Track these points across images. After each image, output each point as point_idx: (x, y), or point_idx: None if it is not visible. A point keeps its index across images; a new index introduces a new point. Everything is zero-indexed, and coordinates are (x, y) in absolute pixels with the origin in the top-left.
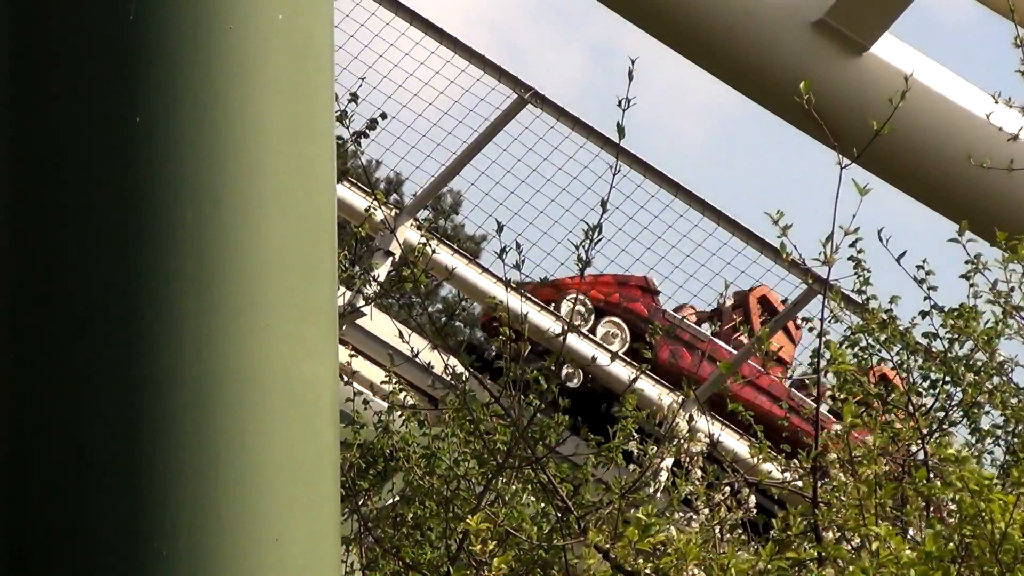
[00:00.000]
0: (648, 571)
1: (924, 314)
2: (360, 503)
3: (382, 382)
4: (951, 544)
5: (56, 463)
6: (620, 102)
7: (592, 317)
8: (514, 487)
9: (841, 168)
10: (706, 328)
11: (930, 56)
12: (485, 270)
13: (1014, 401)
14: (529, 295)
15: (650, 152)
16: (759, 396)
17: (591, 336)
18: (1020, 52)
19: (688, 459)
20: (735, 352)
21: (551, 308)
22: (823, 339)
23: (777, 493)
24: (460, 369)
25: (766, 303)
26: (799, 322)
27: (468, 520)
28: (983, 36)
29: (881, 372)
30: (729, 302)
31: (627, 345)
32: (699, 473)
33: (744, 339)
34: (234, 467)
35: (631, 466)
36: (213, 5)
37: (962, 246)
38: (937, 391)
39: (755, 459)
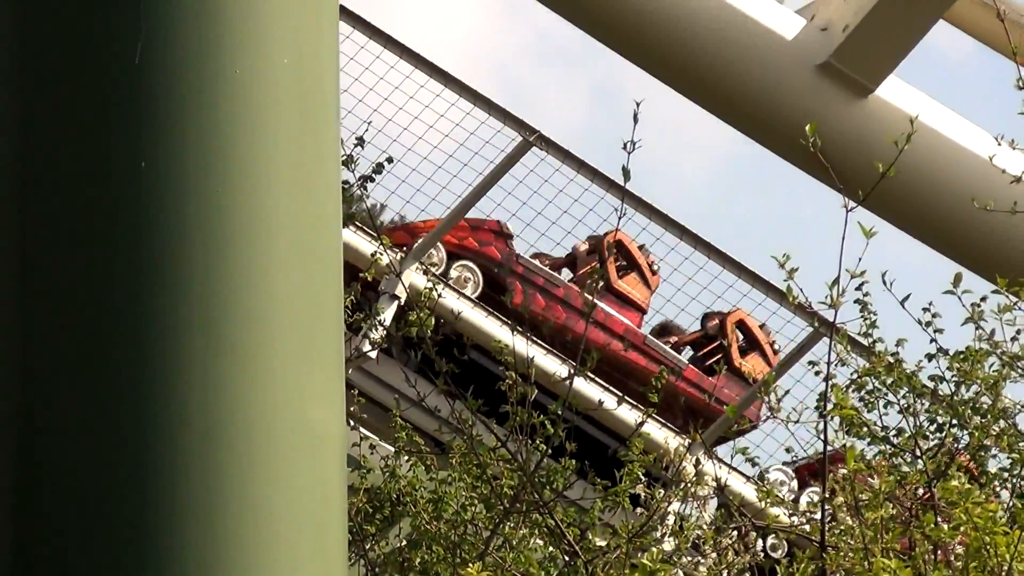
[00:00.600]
0: None
1: (930, 357)
2: (367, 548)
3: (389, 426)
4: None
5: (63, 509)
6: (625, 144)
7: (445, 261)
8: (521, 531)
9: (847, 211)
10: (565, 275)
11: (932, 94)
12: (491, 313)
13: (1021, 445)
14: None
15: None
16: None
17: (447, 282)
18: (1023, 94)
19: (696, 503)
20: (588, 296)
21: (403, 250)
22: (829, 382)
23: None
24: (467, 413)
25: (621, 248)
26: (655, 267)
27: (470, 568)
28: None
29: None
30: (584, 247)
31: (480, 289)
32: (707, 517)
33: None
34: (241, 511)
35: (638, 510)
36: (218, 49)
37: (958, 297)
38: (944, 434)
39: (763, 503)
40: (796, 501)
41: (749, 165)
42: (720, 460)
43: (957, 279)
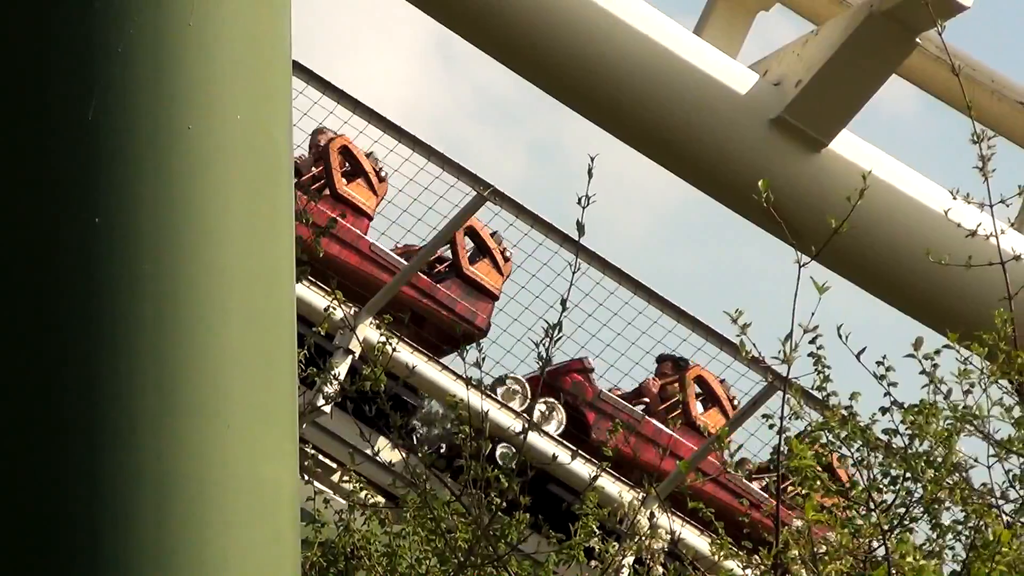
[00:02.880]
0: None
1: (884, 410)
2: None
3: (343, 481)
4: None
5: (12, 563)
6: (579, 199)
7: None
8: None
9: (800, 266)
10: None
11: (883, 149)
12: (446, 368)
13: (974, 498)
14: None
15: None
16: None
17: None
18: (977, 148)
19: (650, 556)
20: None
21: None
22: (783, 436)
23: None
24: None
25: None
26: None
27: None
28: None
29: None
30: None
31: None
32: (660, 570)
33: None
34: (195, 566)
35: (593, 563)
36: (171, 104)
37: (919, 360)
38: (898, 487)
39: (716, 556)
40: (529, 411)
41: (693, 218)
42: (674, 513)
43: (918, 343)
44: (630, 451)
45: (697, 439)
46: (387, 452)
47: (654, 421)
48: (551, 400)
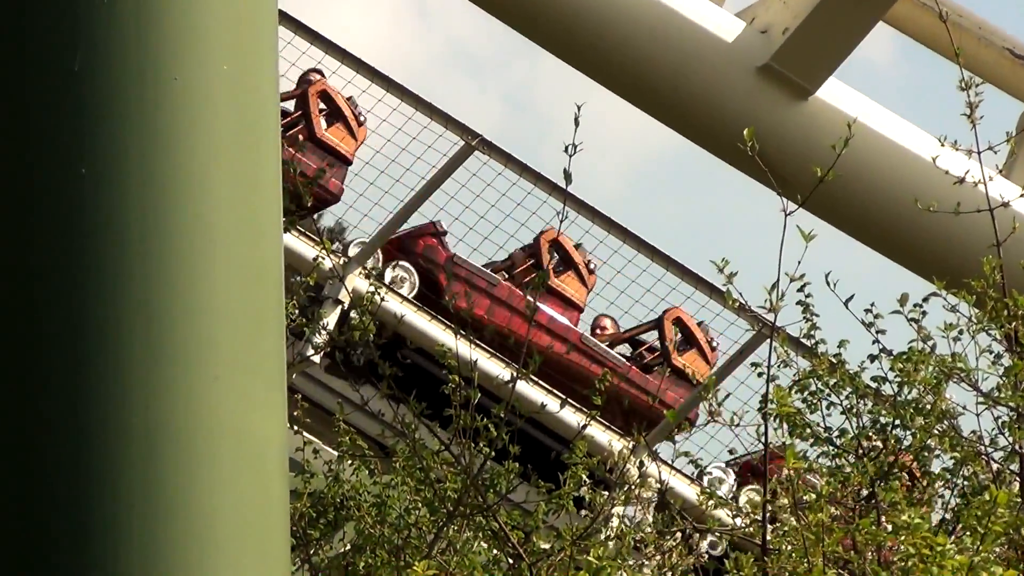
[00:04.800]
0: None
1: (873, 358)
2: (311, 553)
3: (332, 431)
4: None
5: (1, 516)
6: (566, 147)
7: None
8: (465, 535)
9: (786, 214)
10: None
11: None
12: (434, 317)
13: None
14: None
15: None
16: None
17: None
18: (965, 95)
19: (639, 505)
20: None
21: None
22: (771, 384)
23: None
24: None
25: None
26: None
27: (416, 567)
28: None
29: None
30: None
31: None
32: (650, 519)
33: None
34: (183, 518)
35: (583, 512)
36: (157, 56)
37: (904, 316)
38: (887, 435)
39: (704, 505)
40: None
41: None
42: (663, 462)
43: (904, 298)
44: (483, 314)
45: (559, 306)
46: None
47: (510, 285)
48: (404, 263)
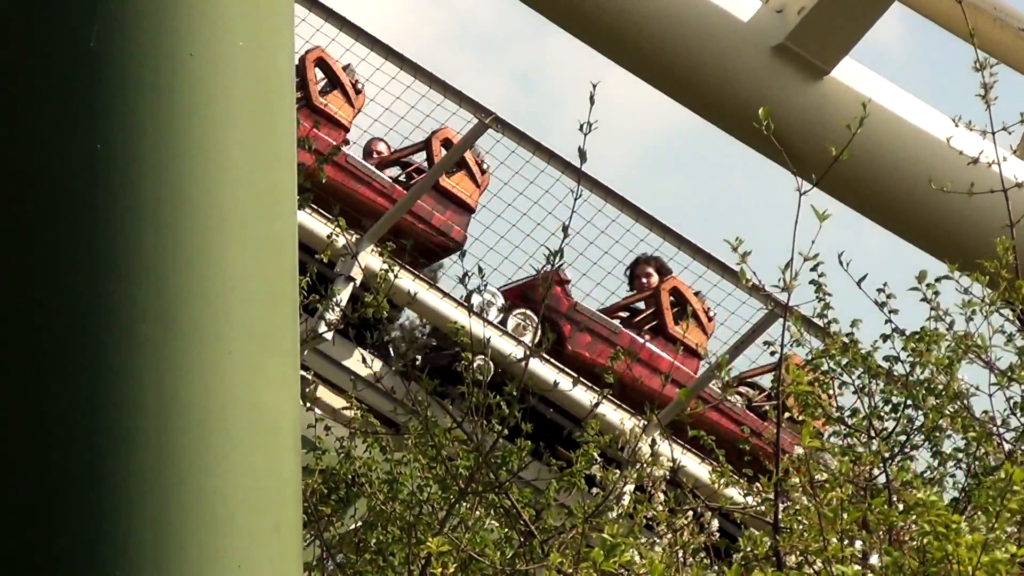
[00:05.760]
0: None
1: (885, 338)
2: (322, 529)
3: (343, 408)
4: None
5: (15, 489)
6: (581, 126)
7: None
8: (477, 512)
9: (800, 194)
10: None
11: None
12: (447, 295)
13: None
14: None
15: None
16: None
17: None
18: (980, 76)
19: (651, 484)
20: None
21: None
22: (783, 362)
23: (739, 517)
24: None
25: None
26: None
27: (429, 542)
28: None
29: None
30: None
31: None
32: (662, 497)
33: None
34: (196, 494)
35: (594, 490)
36: (173, 32)
37: (923, 293)
38: (899, 415)
39: (716, 484)
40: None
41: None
42: (676, 440)
43: (922, 275)
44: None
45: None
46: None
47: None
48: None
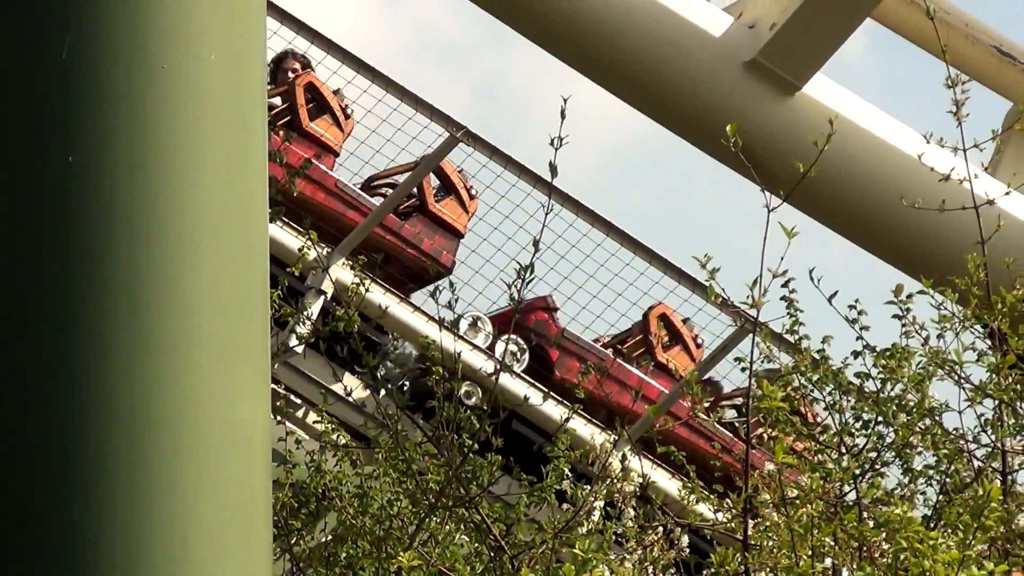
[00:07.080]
0: None
1: (856, 354)
2: (292, 543)
3: (314, 422)
4: None
5: None
6: (552, 140)
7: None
8: (447, 527)
9: (769, 210)
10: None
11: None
12: (418, 309)
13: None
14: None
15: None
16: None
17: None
18: (951, 92)
19: (621, 499)
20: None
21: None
22: (753, 379)
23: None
24: (392, 408)
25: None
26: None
27: (399, 557)
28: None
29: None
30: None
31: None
32: (632, 513)
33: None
34: (166, 505)
35: (564, 506)
36: (146, 45)
37: (898, 307)
38: (869, 431)
39: (686, 500)
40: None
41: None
42: (646, 456)
43: (898, 289)
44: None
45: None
46: (359, 392)
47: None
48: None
